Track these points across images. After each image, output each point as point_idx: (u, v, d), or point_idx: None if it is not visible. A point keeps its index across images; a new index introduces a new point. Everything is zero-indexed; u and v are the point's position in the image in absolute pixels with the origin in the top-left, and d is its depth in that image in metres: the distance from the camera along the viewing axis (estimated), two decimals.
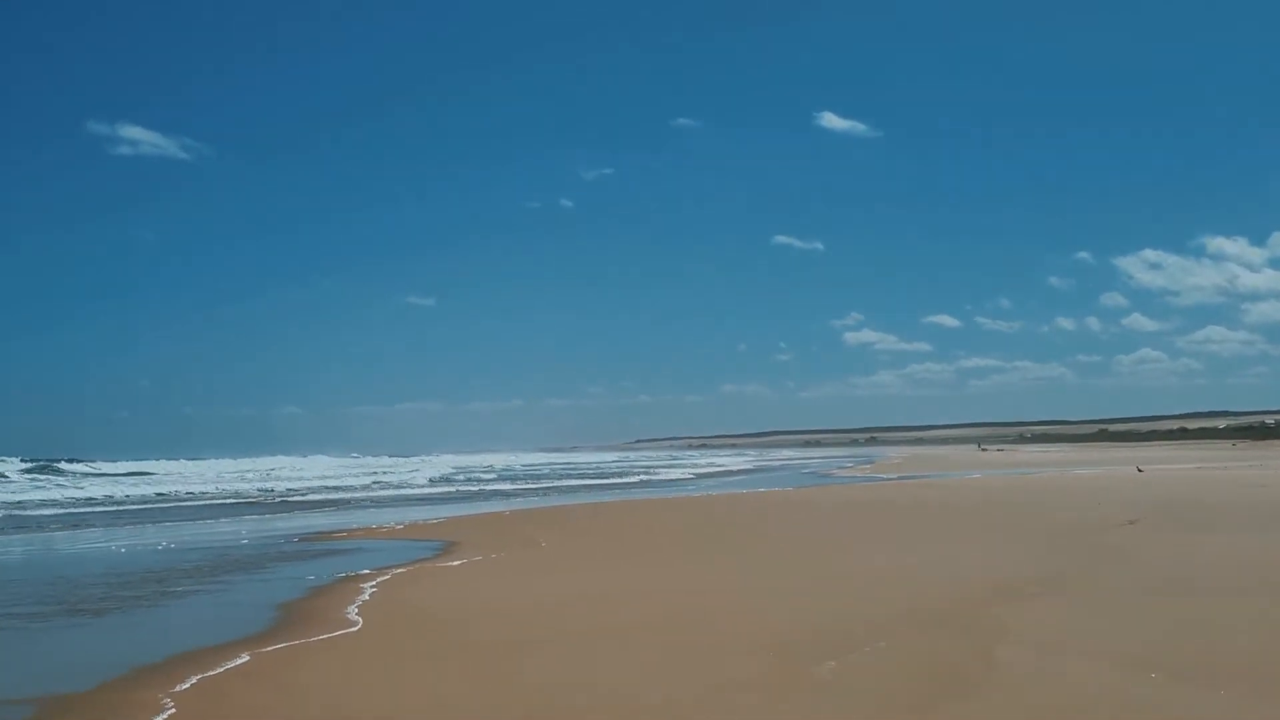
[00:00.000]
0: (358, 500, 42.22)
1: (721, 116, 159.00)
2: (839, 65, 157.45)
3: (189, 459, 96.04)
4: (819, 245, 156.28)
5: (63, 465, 76.84)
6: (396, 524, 27.81)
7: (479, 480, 61.65)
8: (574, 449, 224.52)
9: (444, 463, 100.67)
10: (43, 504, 40.54)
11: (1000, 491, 34.72)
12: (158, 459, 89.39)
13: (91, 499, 43.70)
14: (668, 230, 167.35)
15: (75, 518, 34.11)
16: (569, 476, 65.43)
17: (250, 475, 67.09)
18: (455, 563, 18.37)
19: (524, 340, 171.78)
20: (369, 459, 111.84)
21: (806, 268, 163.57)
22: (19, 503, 40.85)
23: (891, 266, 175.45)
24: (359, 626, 12.48)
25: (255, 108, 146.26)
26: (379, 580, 16.31)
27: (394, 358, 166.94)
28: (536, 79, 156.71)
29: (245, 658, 10.81)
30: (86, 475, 66.02)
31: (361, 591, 15.17)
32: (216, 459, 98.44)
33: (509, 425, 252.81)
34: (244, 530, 27.67)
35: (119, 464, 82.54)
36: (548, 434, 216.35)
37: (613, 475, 67.07)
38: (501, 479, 62.81)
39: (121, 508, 39.21)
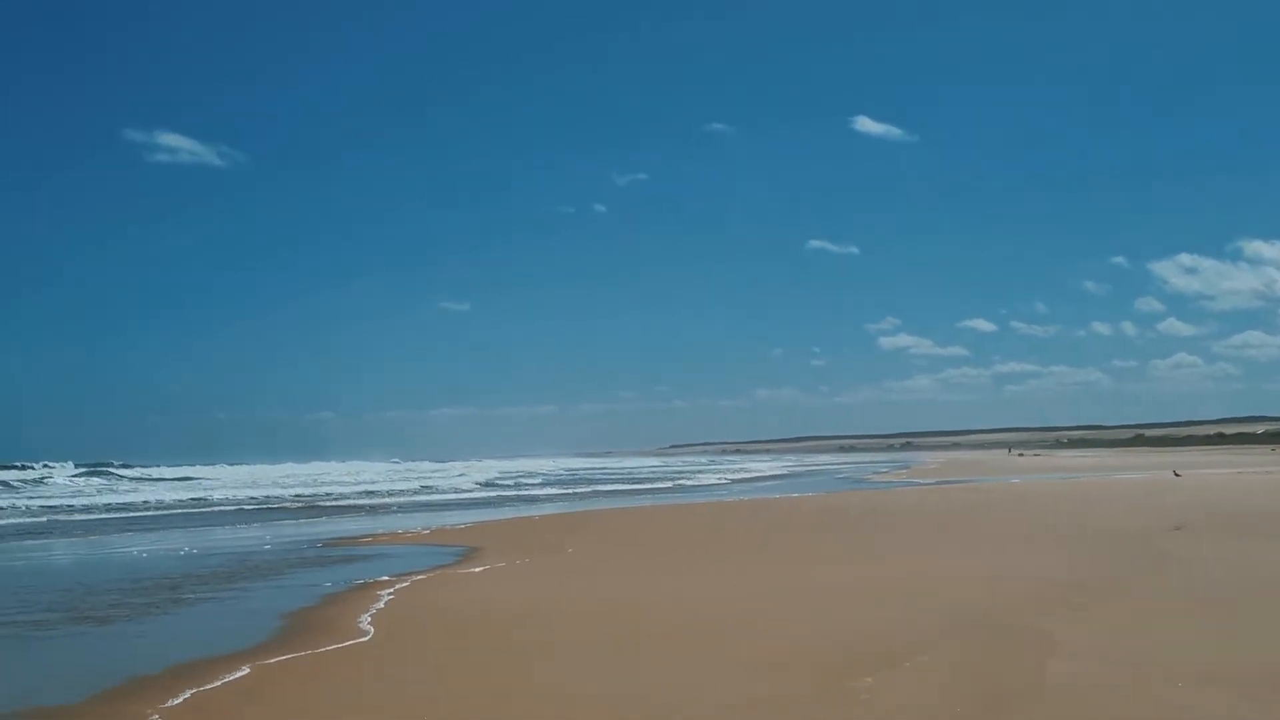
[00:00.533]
0: (396, 505, 41.69)
1: (756, 121, 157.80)
2: (874, 69, 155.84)
3: (229, 463, 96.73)
4: (854, 249, 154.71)
5: (116, 470, 77.64)
6: (424, 529, 27.23)
7: (525, 485, 61.32)
8: (607, 454, 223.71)
9: (488, 467, 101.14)
10: (81, 509, 40.27)
11: (1040, 497, 33.72)
12: (197, 464, 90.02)
13: (128, 504, 43.50)
14: (702, 235, 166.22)
15: (108, 523, 33.77)
16: (606, 481, 64.68)
17: (290, 480, 67.50)
18: (477, 569, 17.72)
19: (557, 345, 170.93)
20: (410, 464, 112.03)
21: (841, 272, 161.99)
22: (58, 507, 40.69)
23: (926, 271, 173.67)
24: (369, 637, 11.83)
25: (291, 114, 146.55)
26: (396, 587, 15.68)
27: (428, 363, 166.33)
28: (571, 84, 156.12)
29: (245, 670, 10.18)
30: (136, 480, 66.32)
31: (377, 599, 14.54)
32: (264, 464, 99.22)
33: (542, 430, 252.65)
34: (270, 535, 27.16)
35: (173, 468, 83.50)
36: (581, 439, 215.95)
37: (645, 480, 66.29)
38: (547, 483, 62.49)
39: (158, 512, 38.91)
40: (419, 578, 16.77)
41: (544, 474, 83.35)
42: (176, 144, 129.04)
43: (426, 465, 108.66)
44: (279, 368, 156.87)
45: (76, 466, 77.24)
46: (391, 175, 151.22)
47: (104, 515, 37.64)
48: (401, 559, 20.03)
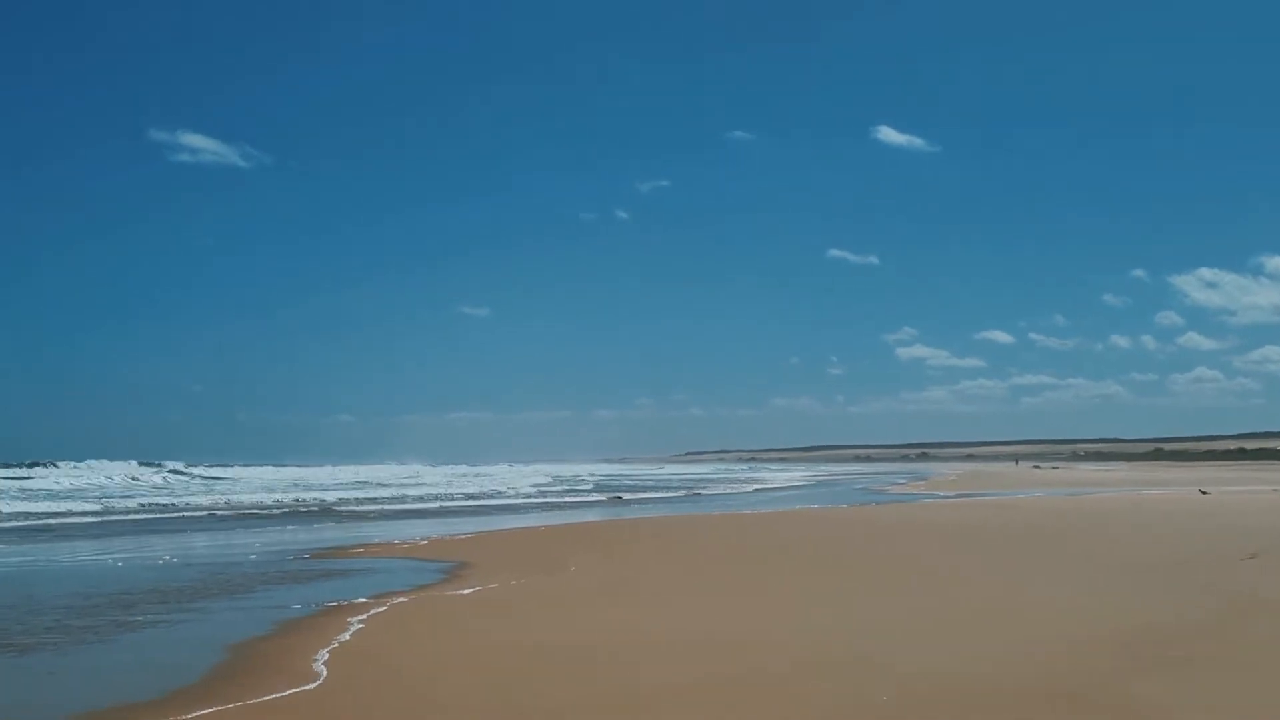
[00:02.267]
0: (423, 509, 39.64)
1: (777, 129, 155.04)
2: (897, 79, 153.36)
3: (273, 464, 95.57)
4: (874, 259, 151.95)
5: (181, 470, 76.82)
6: (421, 539, 25.07)
7: (576, 490, 59.68)
8: (622, 460, 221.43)
9: (534, 471, 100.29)
10: (78, 514, 38.27)
11: (1075, 514, 31.26)
12: (253, 464, 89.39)
13: (149, 505, 41.51)
14: (722, 243, 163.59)
15: (110, 525, 31.77)
16: (615, 489, 62.45)
17: (327, 482, 66.96)
18: (466, 591, 15.49)
19: (574, 351, 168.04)
20: (449, 468, 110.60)
21: (860, 282, 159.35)
22: (63, 512, 38.53)
23: (945, 282, 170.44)
24: (319, 682, 9.62)
25: (314, 115, 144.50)
26: (371, 613, 13.49)
27: (446, 367, 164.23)
28: (594, 90, 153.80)
29: None
30: (207, 478, 65.20)
31: (344, 628, 12.36)
32: (313, 466, 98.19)
33: (557, 436, 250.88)
34: (260, 543, 25.07)
35: (227, 468, 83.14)
36: (596, 445, 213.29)
37: (660, 489, 64.04)
38: (599, 490, 60.64)
39: (166, 515, 36.88)
40: (400, 600, 14.57)
41: (597, 479, 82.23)
42: (200, 144, 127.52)
43: (462, 469, 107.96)
44: (298, 369, 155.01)
45: (141, 465, 76.93)
46: (412, 180, 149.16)
47: (99, 519, 35.65)
48: (389, 575, 17.88)
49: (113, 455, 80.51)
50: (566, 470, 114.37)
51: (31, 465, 76.09)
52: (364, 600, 14.61)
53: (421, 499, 48.09)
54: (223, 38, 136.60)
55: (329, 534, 27.91)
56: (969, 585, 15.34)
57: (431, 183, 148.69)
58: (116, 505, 40.40)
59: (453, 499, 48.89)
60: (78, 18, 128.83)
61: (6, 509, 36.02)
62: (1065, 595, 14.08)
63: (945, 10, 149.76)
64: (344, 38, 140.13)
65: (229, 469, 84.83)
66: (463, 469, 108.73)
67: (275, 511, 38.73)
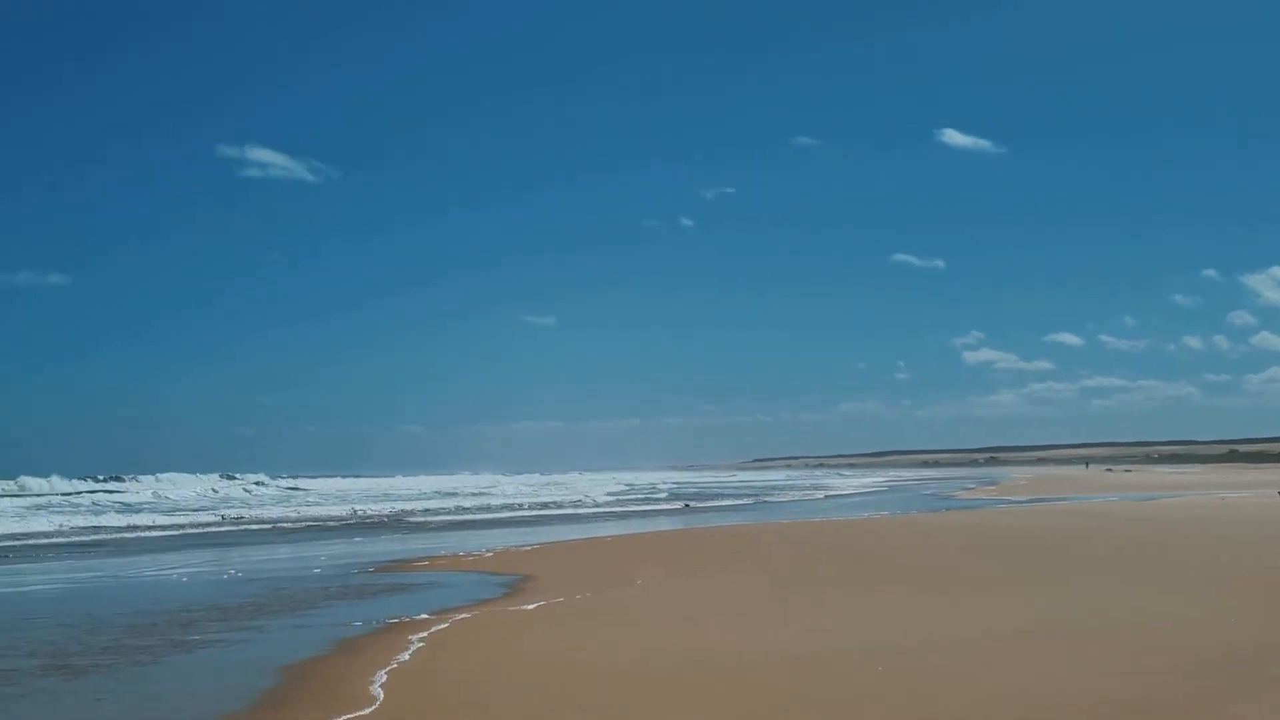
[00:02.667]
0: (491, 520, 39.34)
1: (841, 134, 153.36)
2: (962, 81, 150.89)
3: (354, 475, 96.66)
4: (939, 263, 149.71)
5: (264, 481, 78.34)
6: (488, 550, 24.62)
7: (652, 498, 59.46)
8: (689, 467, 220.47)
9: (608, 479, 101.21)
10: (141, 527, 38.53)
11: (1161, 521, 30.01)
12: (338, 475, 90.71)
13: (227, 517, 41.74)
14: (787, 249, 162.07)
15: (174, 540, 31.87)
16: (687, 497, 61.75)
17: (405, 492, 67.92)
18: (529, 606, 14.93)
19: (641, 359, 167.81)
20: (523, 477, 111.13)
21: (926, 286, 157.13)
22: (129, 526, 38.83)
23: (1012, 285, 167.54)
24: (373, 708, 9.12)
25: (379, 128, 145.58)
26: (431, 630, 12.99)
27: (512, 376, 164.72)
28: (658, 97, 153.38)
29: None
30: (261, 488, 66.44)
31: (404, 647, 11.86)
32: (388, 476, 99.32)
33: (625, 443, 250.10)
34: (325, 555, 24.84)
35: (329, 479, 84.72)
36: (664, 452, 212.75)
37: (731, 496, 63.22)
38: (673, 498, 60.36)
39: (237, 528, 36.97)
40: (462, 617, 14.05)
41: (666, 487, 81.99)
42: (268, 159, 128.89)
43: (538, 478, 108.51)
44: (365, 381, 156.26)
45: (222, 478, 78.89)
46: (477, 190, 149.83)
47: (165, 533, 35.79)
48: (452, 589, 17.39)
49: (192, 469, 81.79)
50: (637, 478, 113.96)
51: (112, 479, 77.41)
52: (425, 617, 14.12)
53: (493, 509, 48.27)
54: (288, 54, 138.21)
55: (396, 546, 27.58)
56: (1056, 598, 14.46)
57: (494, 192, 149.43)
58: (184, 520, 40.60)
59: (526, 508, 48.98)
60: (146, 38, 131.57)
61: (81, 523, 36.25)
62: (1160, 609, 13.18)
63: (1007, 12, 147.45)
64: (404, 49, 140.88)
65: (315, 480, 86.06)
66: (536, 478, 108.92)
67: (349, 522, 38.60)
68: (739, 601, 15.27)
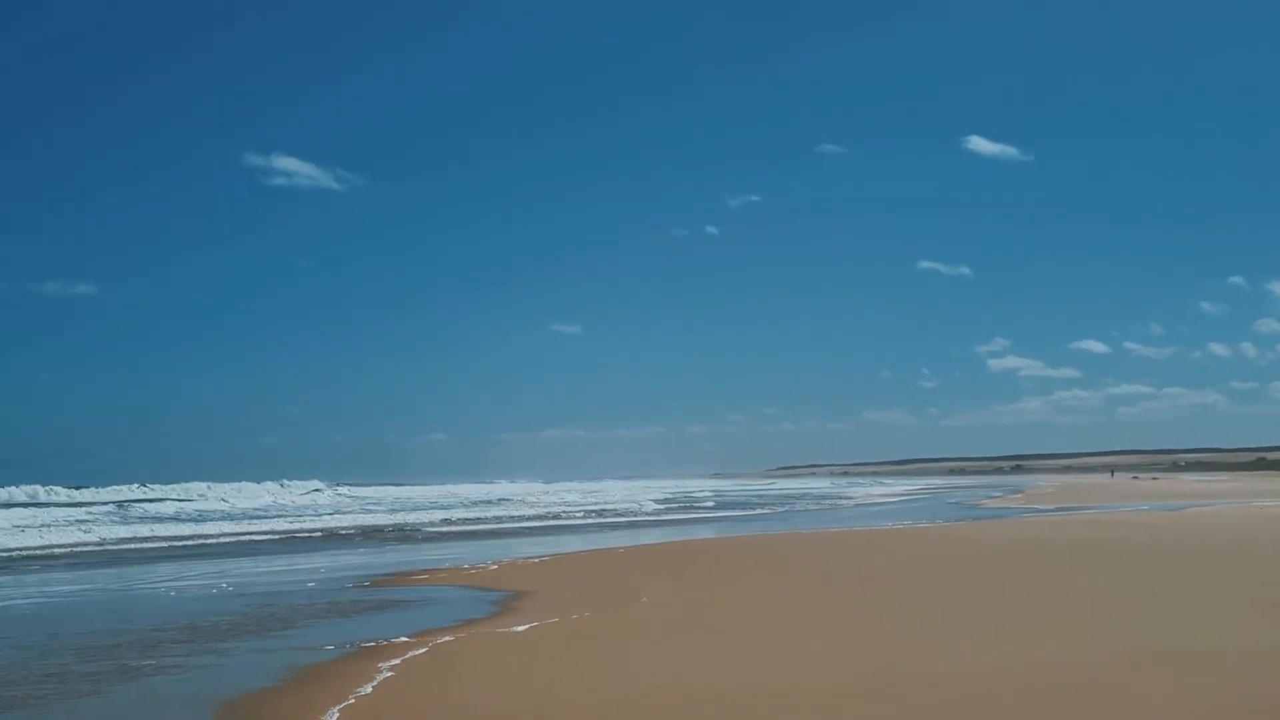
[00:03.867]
0: (499, 530, 37.97)
1: (867, 141, 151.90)
2: (988, 88, 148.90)
3: (394, 484, 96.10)
4: (965, 270, 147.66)
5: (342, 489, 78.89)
6: (494, 563, 23.20)
7: (696, 507, 58.15)
8: (715, 475, 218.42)
9: (653, 487, 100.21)
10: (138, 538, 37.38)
11: (1200, 532, 28.20)
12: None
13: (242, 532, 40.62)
14: (812, 257, 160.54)
15: (180, 550, 30.71)
16: (726, 505, 60.21)
17: (446, 500, 67.54)
18: (520, 627, 13.45)
19: (666, 367, 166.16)
20: (562, 484, 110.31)
21: (952, 293, 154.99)
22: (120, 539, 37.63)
23: (1038, 292, 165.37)
24: None
25: (405, 136, 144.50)
26: (407, 656, 11.57)
27: (539, 385, 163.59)
28: (684, 105, 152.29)
29: None
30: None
31: (371, 676, 10.45)
32: (422, 485, 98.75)
33: (651, 452, 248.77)
34: (325, 566, 23.53)
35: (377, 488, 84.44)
36: (689, 460, 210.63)
37: (754, 505, 61.57)
38: (720, 505, 59.16)
39: (268, 536, 35.76)
40: (443, 639, 12.60)
41: (708, 493, 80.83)
42: (294, 167, 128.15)
43: (574, 484, 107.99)
44: (389, 388, 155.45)
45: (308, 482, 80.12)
46: (501, 198, 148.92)
47: (170, 543, 34.63)
48: (442, 606, 15.99)
49: (216, 478, 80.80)
50: (679, 486, 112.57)
51: (131, 485, 76.55)
52: (404, 639, 12.70)
53: (552, 515, 47.54)
54: (312, 62, 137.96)
55: (405, 557, 26.21)
56: (1101, 619, 12.87)
57: (521, 201, 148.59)
58: (237, 529, 39.50)
59: (579, 515, 48.00)
60: (171, 48, 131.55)
61: (84, 536, 35.04)
62: (1219, 637, 11.58)
63: (1033, 18, 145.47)
64: (430, 56, 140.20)
65: (365, 488, 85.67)
66: (574, 485, 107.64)
67: (388, 532, 37.34)
68: (752, 622, 13.71)
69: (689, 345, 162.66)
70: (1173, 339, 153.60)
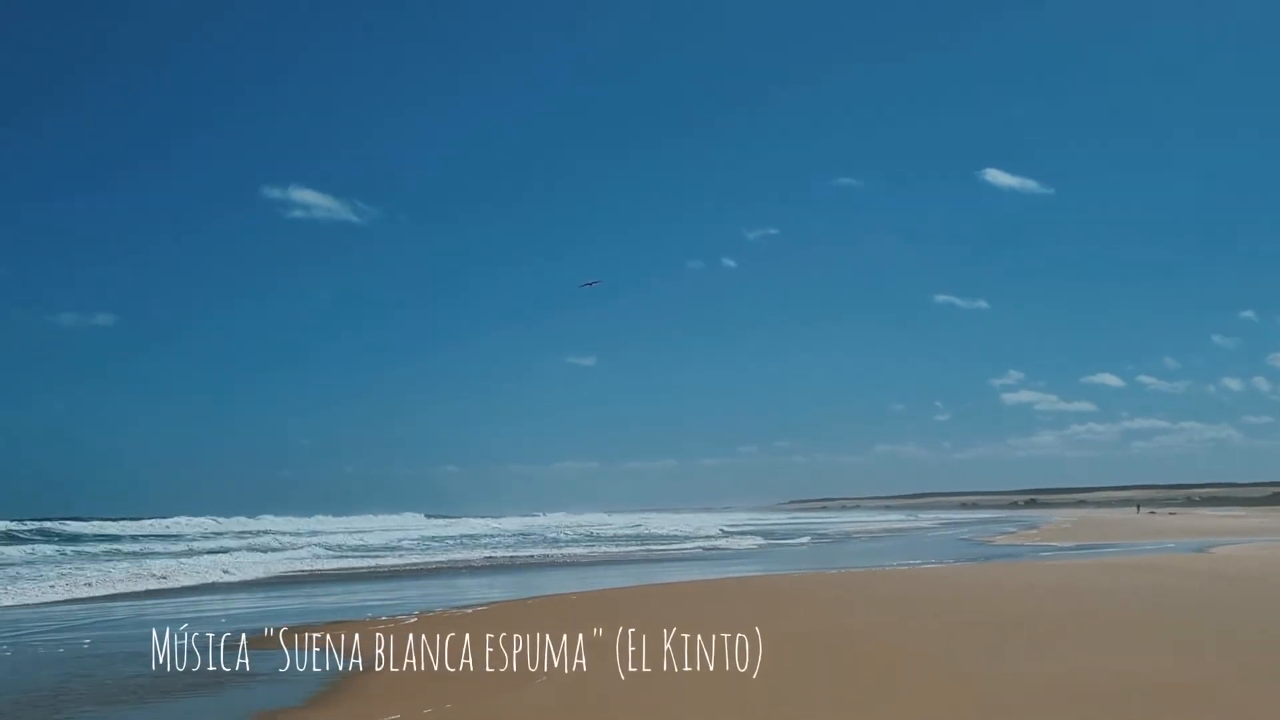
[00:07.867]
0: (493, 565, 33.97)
1: (884, 175, 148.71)
2: (1006, 121, 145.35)
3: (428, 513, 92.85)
4: (983, 304, 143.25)
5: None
6: (416, 613, 19.15)
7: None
8: (725, 509, 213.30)
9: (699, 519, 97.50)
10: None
11: (1243, 581, 23.87)
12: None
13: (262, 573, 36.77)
14: (828, 290, 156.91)
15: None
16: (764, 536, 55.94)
17: (496, 531, 64.52)
18: None
19: (680, 399, 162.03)
20: (623, 515, 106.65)
21: (968, 327, 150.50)
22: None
23: (1052, 326, 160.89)
24: None
25: (423, 169, 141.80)
26: None
27: (552, 417, 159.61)
28: (702, 139, 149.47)
29: None
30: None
31: None
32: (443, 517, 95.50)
33: (661, 485, 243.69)
34: (230, 614, 19.60)
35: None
36: (699, 494, 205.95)
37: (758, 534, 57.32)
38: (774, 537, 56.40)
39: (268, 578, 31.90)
40: None
41: (755, 526, 77.81)
42: (312, 200, 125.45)
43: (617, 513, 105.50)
44: (405, 421, 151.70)
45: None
46: (517, 229, 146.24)
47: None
48: (269, 686, 11.98)
49: (228, 512, 76.89)
50: (728, 519, 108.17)
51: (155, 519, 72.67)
52: None
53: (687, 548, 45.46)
54: (329, 95, 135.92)
55: (341, 599, 22.26)
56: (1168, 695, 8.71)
57: (537, 232, 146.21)
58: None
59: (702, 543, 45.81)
60: (189, 80, 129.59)
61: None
62: None
63: (1050, 51, 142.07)
64: (448, 91, 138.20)
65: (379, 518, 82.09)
66: (637, 517, 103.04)
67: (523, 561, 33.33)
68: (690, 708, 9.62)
69: (703, 377, 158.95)
70: (1186, 373, 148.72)
